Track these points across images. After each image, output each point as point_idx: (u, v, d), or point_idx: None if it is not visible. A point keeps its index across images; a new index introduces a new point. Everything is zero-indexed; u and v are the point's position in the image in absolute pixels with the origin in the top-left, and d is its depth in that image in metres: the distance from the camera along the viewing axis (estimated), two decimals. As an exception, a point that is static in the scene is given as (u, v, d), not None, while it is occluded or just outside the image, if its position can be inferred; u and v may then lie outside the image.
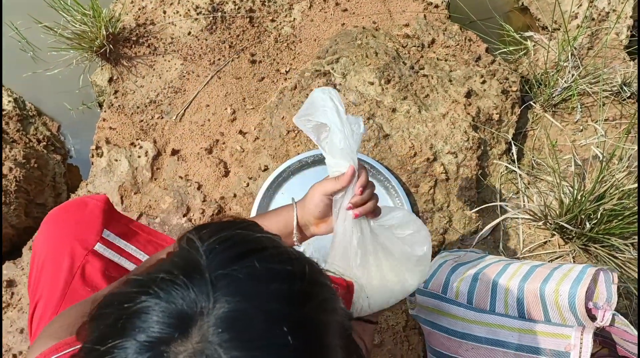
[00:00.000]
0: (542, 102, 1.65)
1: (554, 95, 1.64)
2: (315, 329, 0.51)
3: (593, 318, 0.93)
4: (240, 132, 1.55)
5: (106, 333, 0.48)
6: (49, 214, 1.01)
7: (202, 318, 0.47)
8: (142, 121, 1.68)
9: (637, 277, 1.27)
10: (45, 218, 1.01)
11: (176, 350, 0.45)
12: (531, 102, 1.66)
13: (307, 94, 1.51)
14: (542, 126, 1.65)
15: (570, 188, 1.34)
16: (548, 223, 1.37)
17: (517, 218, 1.42)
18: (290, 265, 0.53)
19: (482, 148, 1.48)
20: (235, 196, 1.46)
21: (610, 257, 1.29)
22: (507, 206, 1.46)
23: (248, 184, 1.47)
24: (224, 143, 1.58)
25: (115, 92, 1.73)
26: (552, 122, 1.65)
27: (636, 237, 1.25)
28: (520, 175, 1.49)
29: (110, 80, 1.76)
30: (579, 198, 1.28)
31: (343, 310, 0.58)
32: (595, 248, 1.31)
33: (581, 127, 1.62)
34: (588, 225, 1.27)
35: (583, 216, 1.28)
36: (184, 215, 1.44)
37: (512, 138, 1.55)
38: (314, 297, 0.53)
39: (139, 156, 1.60)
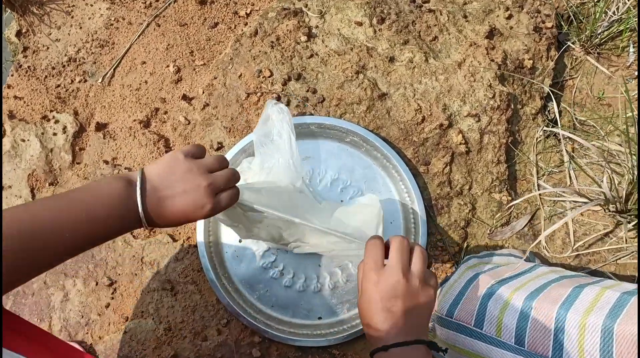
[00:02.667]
0: (583, 41, 1.26)
1: (598, 32, 1.24)
2: None
3: None
4: (185, 97, 1.15)
5: None
6: None
7: None
8: (59, 86, 1.26)
9: None
10: None
11: None
12: (568, 43, 1.27)
13: (272, 42, 1.10)
14: (583, 73, 1.26)
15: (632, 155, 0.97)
16: (609, 208, 1.00)
17: (564, 200, 1.05)
18: None
19: (512, 107, 1.09)
20: (179, 186, 1.06)
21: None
22: (547, 184, 1.08)
23: (196, 169, 1.07)
24: (165, 113, 1.18)
25: (25, 49, 1.31)
26: (597, 67, 1.25)
27: None
28: (564, 140, 1.11)
29: (19, 34, 1.33)
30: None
31: None
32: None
33: (635, 73, 1.24)
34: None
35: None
36: (110, 215, 1.05)
37: (549, 91, 1.16)
38: None
39: (55, 134, 1.19)
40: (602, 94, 1.24)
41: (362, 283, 0.72)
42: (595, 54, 1.26)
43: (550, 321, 0.71)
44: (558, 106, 1.18)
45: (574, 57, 1.27)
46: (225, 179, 0.71)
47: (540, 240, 1.02)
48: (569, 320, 0.70)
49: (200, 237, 0.99)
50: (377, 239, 0.75)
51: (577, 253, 1.00)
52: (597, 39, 1.25)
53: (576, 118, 1.19)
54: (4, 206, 1.14)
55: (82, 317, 1.01)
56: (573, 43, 1.27)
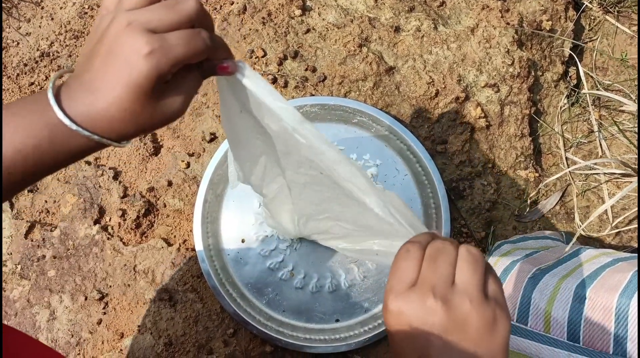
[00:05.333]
0: (601, 0, 1.15)
1: (616, -12, 1.14)
2: None
3: None
4: (170, 85, 1.04)
5: None
6: None
7: None
8: (32, 83, 1.15)
9: None
10: None
11: None
12: (586, 2, 1.16)
13: (263, 19, 0.99)
14: (603, 34, 1.16)
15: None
16: (649, 178, 0.90)
17: (597, 173, 0.95)
18: None
19: (533, 74, 0.99)
20: (170, 184, 0.96)
21: None
22: (576, 157, 0.98)
23: (188, 165, 0.97)
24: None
25: (-7, 46, 1.20)
26: (617, 26, 1.15)
27: None
28: (591, 107, 1.01)
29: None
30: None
31: None
32: None
33: (660, 31, 1.14)
34: None
35: None
36: (96, 222, 0.94)
37: (570, 55, 1.06)
38: None
39: (31, 136, 1.09)
40: (625, 56, 1.13)
41: (384, 316, 0.46)
42: (615, 13, 1.16)
43: (609, 312, 0.61)
44: (576, 71, 1.08)
45: (592, 18, 1.17)
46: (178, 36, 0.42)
47: (574, 219, 0.92)
48: (632, 310, 0.60)
49: (198, 240, 0.89)
50: (414, 244, 0.47)
51: (617, 230, 0.91)
52: (616, -4, 1.14)
53: (599, 82, 1.08)
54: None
55: (72, 336, 0.91)
56: (590, 2, 1.16)
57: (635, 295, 0.60)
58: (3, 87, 1.15)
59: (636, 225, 0.90)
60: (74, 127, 0.41)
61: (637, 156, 0.89)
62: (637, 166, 0.90)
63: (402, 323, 0.43)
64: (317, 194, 0.63)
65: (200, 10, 0.44)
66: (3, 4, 1.23)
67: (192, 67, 0.45)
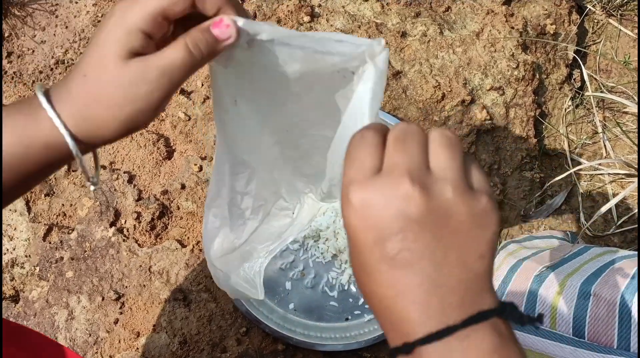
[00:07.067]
0: (604, 3, 1.17)
1: (619, -9, 1.16)
2: None
3: None
4: (183, 92, 1.06)
5: None
6: None
7: None
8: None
9: None
10: None
11: None
12: (589, 6, 1.18)
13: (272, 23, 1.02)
14: (606, 37, 1.18)
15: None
16: (652, 178, 0.92)
17: (602, 173, 0.97)
18: None
19: (538, 77, 1.01)
20: (184, 187, 0.98)
21: None
22: (581, 158, 1.00)
23: (201, 168, 0.99)
24: (163, 110, 1.10)
25: (9, 54, 1.23)
26: (620, 29, 1.17)
27: None
28: (595, 108, 1.02)
29: (1, 38, 1.26)
30: None
31: None
32: None
33: (663, 34, 1.15)
34: None
35: None
36: (112, 224, 0.97)
37: (574, 57, 1.08)
38: None
39: (47, 142, 1.12)
40: (629, 58, 1.15)
41: (343, 217, 0.36)
42: (618, 16, 1.18)
43: (613, 307, 0.63)
44: (580, 73, 1.10)
45: (595, 21, 1.19)
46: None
47: (580, 219, 0.94)
48: (636, 305, 0.62)
49: (211, 241, 0.91)
50: (369, 130, 0.37)
51: (621, 229, 0.92)
52: (619, 0, 1.16)
53: (603, 85, 1.10)
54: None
55: (90, 335, 0.94)
56: (593, 6, 1.18)
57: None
58: (20, 94, 1.18)
59: (640, 224, 0.92)
60: (44, 104, 0.38)
61: (638, 157, 0.91)
62: (638, 167, 0.92)
63: (369, 218, 0.34)
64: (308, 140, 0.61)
65: None
66: (17, 13, 1.26)
67: (177, 39, 0.40)
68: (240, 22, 0.41)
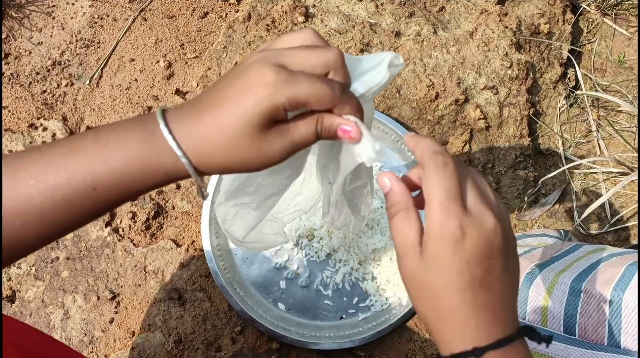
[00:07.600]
0: (599, 2, 1.17)
1: (614, -9, 1.16)
2: None
3: None
4: (178, 92, 1.07)
5: None
6: None
7: None
8: (44, 91, 1.19)
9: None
10: None
11: None
12: (583, 5, 1.18)
13: (267, 25, 1.02)
14: (601, 36, 1.18)
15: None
16: (646, 176, 0.92)
17: (596, 172, 0.97)
18: None
19: (532, 76, 1.01)
20: (178, 186, 0.99)
21: None
22: (575, 157, 1.00)
23: (196, 168, 1.00)
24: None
25: (6, 56, 1.24)
26: (615, 29, 1.17)
27: None
28: (589, 107, 1.03)
29: (0, 40, 1.26)
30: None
31: None
32: None
33: (657, 32, 1.16)
34: None
35: None
36: (107, 224, 0.97)
37: (568, 56, 1.08)
38: None
39: (44, 142, 1.12)
40: (623, 57, 1.15)
41: (428, 239, 0.41)
42: (613, 15, 1.18)
43: (603, 304, 0.64)
44: (574, 73, 1.10)
45: (590, 20, 1.19)
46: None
47: (573, 217, 0.94)
48: (625, 302, 0.62)
49: (205, 240, 0.91)
50: (452, 161, 0.42)
51: (614, 228, 0.92)
52: (613, -1, 1.17)
53: (598, 84, 1.10)
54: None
55: (85, 334, 0.94)
56: (588, 5, 1.19)
57: (629, 288, 0.62)
58: (17, 95, 1.19)
59: (633, 222, 0.92)
60: (171, 142, 0.40)
61: (633, 155, 0.91)
62: (636, 165, 0.92)
63: (462, 251, 0.39)
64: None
65: (340, 60, 0.42)
66: (15, 14, 1.27)
67: (310, 119, 0.43)
68: (365, 131, 0.43)
